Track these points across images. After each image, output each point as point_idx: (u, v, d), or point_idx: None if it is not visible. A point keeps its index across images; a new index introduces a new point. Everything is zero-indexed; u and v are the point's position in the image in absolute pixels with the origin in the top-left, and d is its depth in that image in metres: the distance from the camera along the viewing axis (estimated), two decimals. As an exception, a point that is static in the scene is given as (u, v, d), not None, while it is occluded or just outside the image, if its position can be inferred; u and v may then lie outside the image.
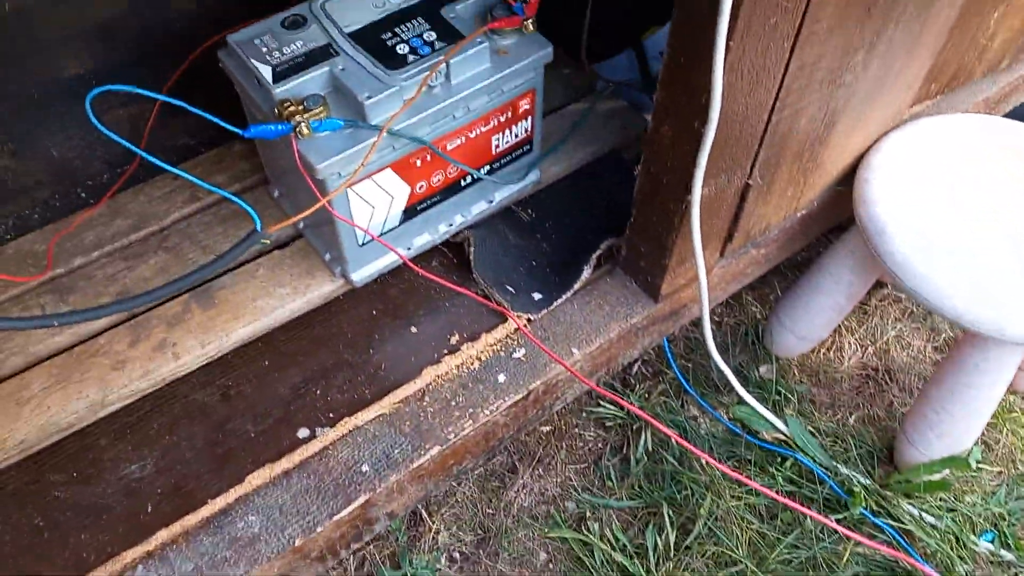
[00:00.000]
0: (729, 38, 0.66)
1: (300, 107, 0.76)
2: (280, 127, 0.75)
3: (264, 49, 0.80)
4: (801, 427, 1.11)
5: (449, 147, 0.86)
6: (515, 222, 1.04)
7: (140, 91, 0.71)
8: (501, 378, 0.88)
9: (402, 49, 0.80)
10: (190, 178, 0.73)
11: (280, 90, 0.77)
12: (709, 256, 0.93)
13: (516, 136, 0.92)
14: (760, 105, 0.77)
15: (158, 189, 1.00)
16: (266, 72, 0.78)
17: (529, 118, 0.91)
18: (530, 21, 0.83)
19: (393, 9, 0.84)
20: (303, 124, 0.75)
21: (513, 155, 0.94)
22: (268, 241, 0.70)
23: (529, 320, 0.93)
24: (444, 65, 0.79)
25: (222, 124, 0.74)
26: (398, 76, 0.78)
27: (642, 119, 1.08)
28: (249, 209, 0.67)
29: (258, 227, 0.67)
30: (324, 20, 0.82)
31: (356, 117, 0.78)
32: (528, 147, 0.95)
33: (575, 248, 1.01)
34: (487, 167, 0.93)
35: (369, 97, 0.77)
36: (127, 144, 0.74)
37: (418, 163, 0.85)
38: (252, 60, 0.79)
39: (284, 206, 0.97)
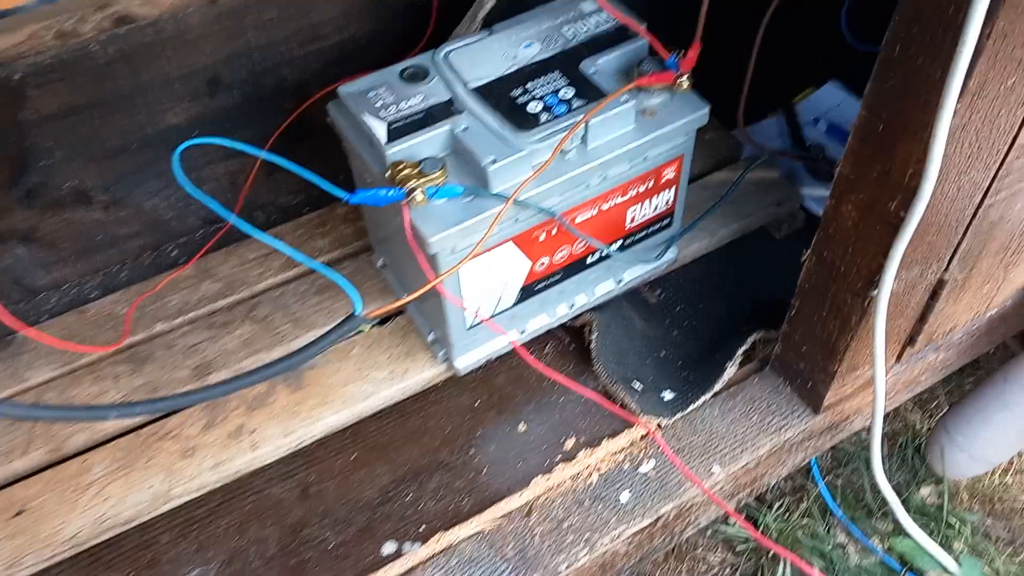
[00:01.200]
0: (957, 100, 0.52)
1: (415, 171, 0.65)
2: (391, 193, 0.65)
3: (379, 103, 0.70)
4: (977, 569, 0.92)
5: (579, 219, 0.74)
6: (642, 305, 0.90)
7: (231, 144, 0.62)
8: (624, 497, 0.74)
9: (534, 107, 0.69)
10: (279, 246, 0.62)
11: (394, 151, 0.67)
12: (886, 361, 0.77)
13: (655, 209, 0.79)
14: (974, 185, 0.62)
15: (253, 251, 0.91)
16: (379, 130, 0.68)
17: (672, 188, 0.79)
18: (685, 78, 0.71)
19: (526, 62, 0.73)
20: (418, 190, 0.64)
21: (649, 230, 0.82)
22: (367, 328, 0.59)
23: (659, 426, 0.78)
24: (582, 127, 0.68)
25: (323, 185, 0.64)
26: (528, 138, 0.67)
27: (796, 194, 0.94)
28: (349, 288, 0.56)
29: (357, 310, 0.56)
30: (447, 72, 0.73)
31: (477, 184, 0.67)
32: (667, 221, 0.82)
33: (713, 340, 0.87)
34: (619, 243, 0.80)
35: (494, 161, 0.66)
36: (214, 205, 0.64)
37: (542, 237, 0.73)
38: (364, 115, 0.69)
39: (388, 278, 0.86)
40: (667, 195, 0.79)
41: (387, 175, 0.66)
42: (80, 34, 0.76)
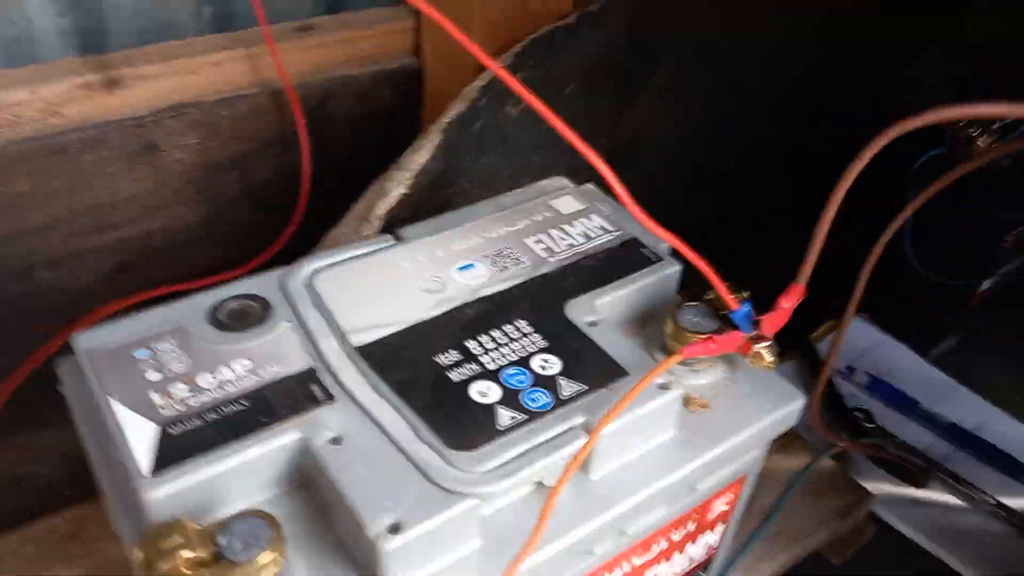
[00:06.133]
0: None
1: (203, 551, 0.28)
2: (134, 618, 0.26)
3: (152, 374, 0.33)
4: None
5: (560, 610, 0.37)
6: None
7: None
8: None
9: (483, 393, 0.34)
10: None
11: (162, 492, 0.29)
12: None
13: (690, 561, 0.44)
14: None
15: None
16: (139, 438, 0.31)
17: (720, 528, 0.44)
18: (766, 347, 0.37)
19: (464, 298, 0.39)
20: (202, 612, 0.26)
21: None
22: None
23: None
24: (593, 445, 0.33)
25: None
26: (474, 465, 0.31)
27: (866, 496, 0.60)
28: None
29: None
30: (308, 313, 0.37)
31: (356, 571, 0.30)
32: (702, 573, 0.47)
33: None
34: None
35: (396, 528, 0.29)
36: None
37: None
38: (113, 402, 0.32)
39: None
40: (710, 538, 0.43)
41: (139, 555, 0.28)
42: None
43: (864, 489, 0.61)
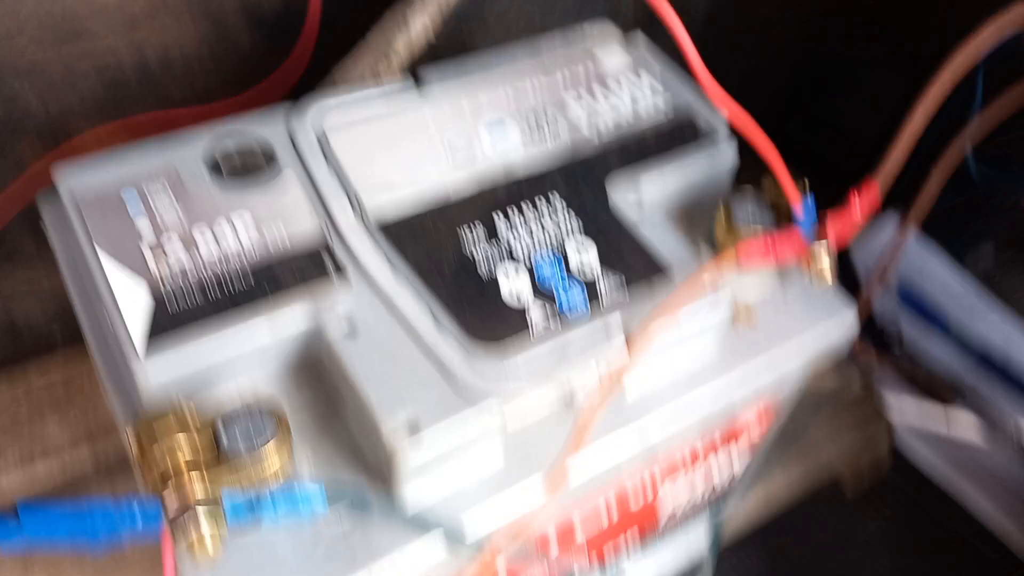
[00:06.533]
0: None
1: (202, 448, 0.25)
2: (129, 514, 0.24)
3: (144, 221, 0.29)
4: None
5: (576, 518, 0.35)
6: None
7: None
8: None
9: (513, 287, 0.30)
10: None
11: (158, 375, 0.26)
12: None
13: (711, 485, 0.42)
14: None
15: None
16: (135, 307, 0.27)
17: (747, 451, 0.42)
18: (825, 252, 0.34)
19: (494, 164, 0.34)
20: (202, 514, 0.23)
21: (687, 516, 0.44)
22: None
23: None
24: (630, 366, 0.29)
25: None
26: (498, 361, 0.28)
27: (887, 428, 0.58)
28: None
29: None
30: (317, 170, 0.32)
31: (371, 479, 0.28)
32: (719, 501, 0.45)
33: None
34: (625, 552, 0.42)
35: (415, 428, 0.26)
36: None
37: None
38: (104, 254, 0.28)
39: None
40: (735, 463, 0.41)
41: (135, 447, 0.25)
42: None
43: (889, 423, 0.58)
